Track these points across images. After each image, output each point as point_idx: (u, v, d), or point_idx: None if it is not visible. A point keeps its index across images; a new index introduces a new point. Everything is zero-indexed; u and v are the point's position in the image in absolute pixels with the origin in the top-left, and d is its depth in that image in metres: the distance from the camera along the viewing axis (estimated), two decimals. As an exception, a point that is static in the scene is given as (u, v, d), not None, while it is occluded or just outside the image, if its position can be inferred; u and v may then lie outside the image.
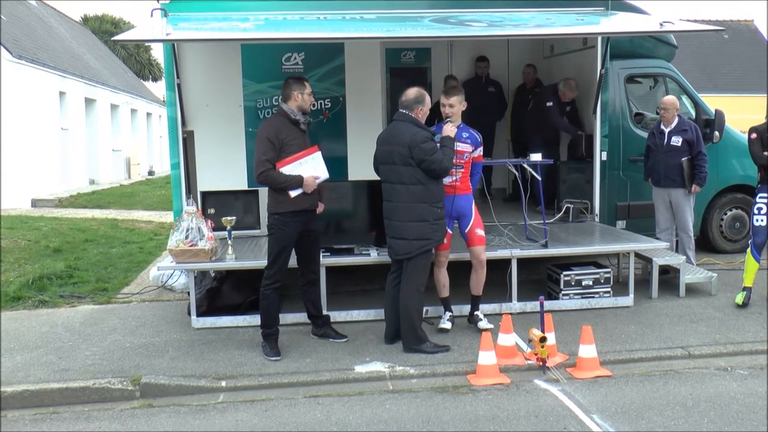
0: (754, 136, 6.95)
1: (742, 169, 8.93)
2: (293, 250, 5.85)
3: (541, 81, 9.63)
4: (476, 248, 6.17)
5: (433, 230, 5.67)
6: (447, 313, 6.31)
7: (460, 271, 6.41)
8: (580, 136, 8.64)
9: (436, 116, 6.33)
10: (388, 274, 5.96)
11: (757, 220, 6.95)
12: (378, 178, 5.94)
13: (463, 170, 6.05)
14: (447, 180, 5.86)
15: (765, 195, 6.91)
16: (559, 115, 8.72)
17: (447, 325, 6.21)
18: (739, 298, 6.96)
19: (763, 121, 7.06)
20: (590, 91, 8.23)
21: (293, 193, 5.60)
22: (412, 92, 5.73)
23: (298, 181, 5.58)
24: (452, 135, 5.74)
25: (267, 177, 5.57)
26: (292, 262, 5.91)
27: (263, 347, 5.75)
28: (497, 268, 6.83)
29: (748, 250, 7.02)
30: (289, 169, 5.60)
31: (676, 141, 7.50)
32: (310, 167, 5.68)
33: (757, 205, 6.96)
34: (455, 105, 5.99)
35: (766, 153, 6.85)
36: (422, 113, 5.71)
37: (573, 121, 8.81)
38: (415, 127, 5.62)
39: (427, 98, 5.77)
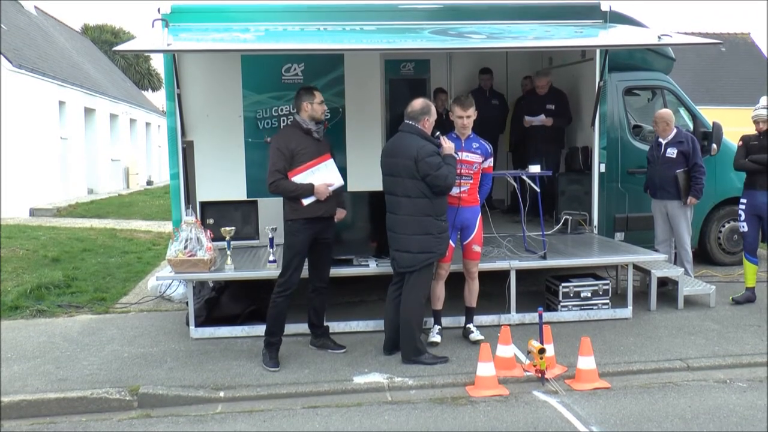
0: (739, 143, 7.40)
1: (739, 181, 8.95)
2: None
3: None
4: (469, 262, 6.21)
5: (437, 243, 5.68)
6: (436, 326, 6.31)
7: (459, 282, 6.40)
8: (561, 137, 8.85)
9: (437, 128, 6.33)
10: (390, 285, 5.95)
11: (742, 227, 7.39)
12: (377, 189, 5.95)
13: (471, 181, 6.06)
14: (453, 191, 5.83)
15: (744, 201, 7.35)
16: (527, 113, 8.89)
17: (437, 338, 6.20)
18: (736, 296, 7.41)
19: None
20: (589, 104, 8.27)
21: (306, 201, 5.65)
22: (418, 103, 5.73)
23: (308, 189, 5.62)
24: (453, 153, 5.72)
25: (278, 187, 5.64)
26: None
27: (263, 356, 5.74)
28: (496, 279, 6.84)
29: (743, 255, 7.46)
30: (301, 177, 5.64)
31: (672, 153, 7.54)
32: (323, 175, 5.71)
33: (739, 212, 7.41)
34: (472, 116, 6.00)
35: (746, 160, 7.26)
36: (429, 124, 5.71)
37: (556, 116, 8.82)
38: (422, 139, 5.61)
39: (433, 109, 5.77)
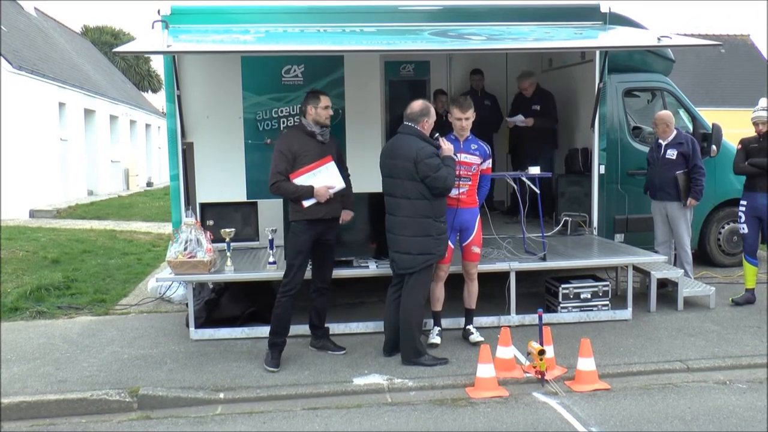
0: (739, 147, 7.41)
1: (739, 183, 8.95)
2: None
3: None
4: (468, 263, 6.21)
5: (437, 245, 5.68)
6: (436, 327, 6.31)
7: (458, 283, 6.41)
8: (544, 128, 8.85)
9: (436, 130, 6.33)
10: (389, 287, 5.96)
11: (742, 228, 7.39)
12: (377, 190, 5.95)
13: (470, 183, 6.06)
14: (452, 193, 5.83)
15: (744, 203, 7.36)
16: (513, 114, 8.95)
17: (437, 339, 6.20)
18: (736, 297, 7.43)
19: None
20: (588, 105, 8.27)
21: (306, 203, 5.68)
22: (417, 105, 5.74)
23: (308, 191, 5.65)
24: (452, 154, 5.73)
25: (278, 188, 5.70)
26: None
27: (266, 355, 5.76)
28: (496, 280, 6.84)
29: (743, 256, 7.47)
30: (302, 179, 5.67)
31: (671, 154, 7.55)
32: (324, 177, 5.73)
33: (739, 214, 7.40)
34: (470, 117, 6.01)
35: (745, 163, 7.28)
36: (428, 125, 5.72)
37: (541, 116, 8.84)
38: (421, 141, 5.63)
39: (432, 110, 5.79)
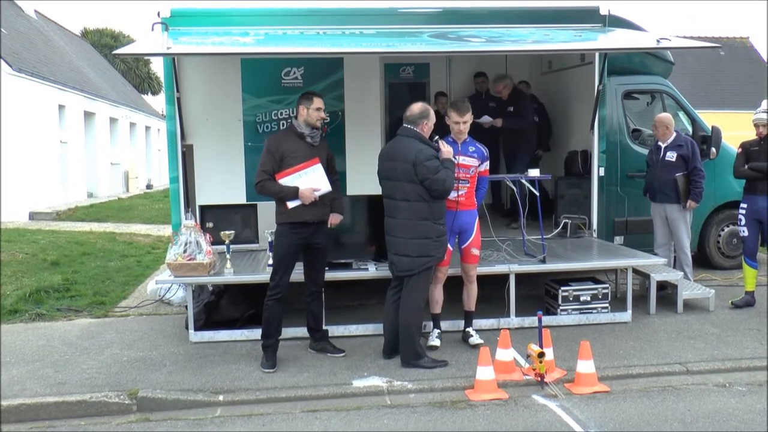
0: (739, 150, 7.42)
1: (739, 185, 8.95)
2: (301, 262, 5.91)
3: (535, 96, 9.68)
4: (467, 266, 6.22)
5: (436, 247, 5.68)
6: (435, 330, 6.31)
7: (458, 285, 6.40)
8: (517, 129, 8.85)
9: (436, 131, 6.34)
10: (388, 289, 5.95)
11: (742, 231, 7.39)
12: (376, 193, 5.95)
13: (468, 185, 6.07)
14: (451, 195, 5.83)
15: (744, 206, 7.36)
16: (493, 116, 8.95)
17: (436, 342, 6.20)
18: (735, 300, 7.43)
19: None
20: (588, 107, 8.27)
21: (291, 204, 5.66)
22: (416, 107, 5.74)
23: (293, 193, 5.63)
24: (451, 157, 5.73)
25: (263, 187, 5.69)
26: (299, 276, 5.95)
27: (261, 358, 5.77)
28: (495, 283, 6.84)
29: (742, 259, 7.49)
30: (288, 180, 5.65)
31: (671, 156, 7.55)
32: (310, 179, 5.70)
33: (739, 216, 7.41)
34: (468, 121, 6.01)
35: (745, 167, 7.28)
36: (427, 128, 5.73)
37: (514, 118, 8.85)
38: (421, 143, 5.63)
39: (432, 113, 5.79)
